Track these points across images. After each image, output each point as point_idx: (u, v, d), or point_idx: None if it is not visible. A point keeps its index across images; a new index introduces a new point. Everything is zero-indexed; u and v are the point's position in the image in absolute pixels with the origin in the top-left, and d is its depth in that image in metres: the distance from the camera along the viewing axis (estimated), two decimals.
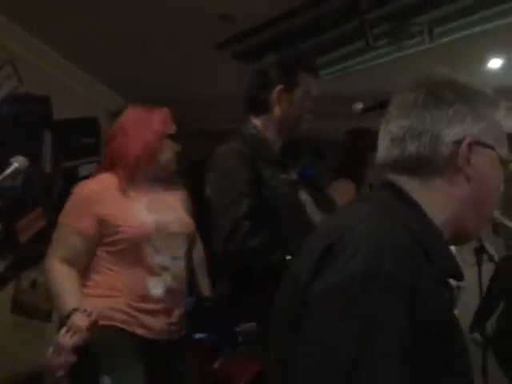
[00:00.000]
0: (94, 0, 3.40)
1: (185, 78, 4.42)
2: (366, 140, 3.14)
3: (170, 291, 2.09)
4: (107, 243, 2.08)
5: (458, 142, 1.00)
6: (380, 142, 1.07)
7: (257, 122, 2.13)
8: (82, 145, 4.36)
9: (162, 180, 2.25)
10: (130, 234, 2.05)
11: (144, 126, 2.17)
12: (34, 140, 3.79)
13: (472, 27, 3.68)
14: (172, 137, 2.23)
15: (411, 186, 1.02)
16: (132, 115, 2.23)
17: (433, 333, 0.85)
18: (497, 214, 1.11)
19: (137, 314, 2.03)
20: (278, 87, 2.06)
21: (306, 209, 2.09)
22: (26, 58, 3.87)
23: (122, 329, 2.01)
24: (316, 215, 2.10)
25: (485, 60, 4.41)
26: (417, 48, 3.90)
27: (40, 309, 3.30)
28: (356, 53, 3.90)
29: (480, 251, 3.19)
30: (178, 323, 2.11)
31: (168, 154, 2.22)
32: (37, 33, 3.80)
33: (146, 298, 2.04)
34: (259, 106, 2.11)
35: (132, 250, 2.05)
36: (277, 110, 2.09)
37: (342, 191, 3.08)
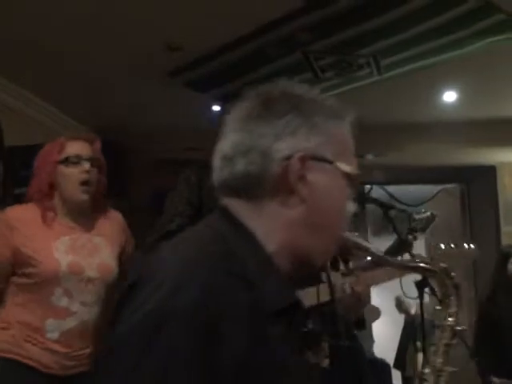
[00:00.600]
0: (41, 29, 3.40)
1: (139, 106, 4.44)
2: None
3: (70, 336, 2.00)
4: (19, 274, 2.02)
5: (290, 158, 0.89)
6: (214, 161, 0.96)
7: None
8: None
9: (91, 214, 2.14)
10: (41, 270, 1.98)
11: (44, 160, 2.10)
12: None
13: (419, 60, 3.71)
14: (66, 161, 2.06)
15: (241, 209, 0.92)
16: (41, 152, 2.14)
17: (238, 372, 0.77)
18: (349, 235, 1.00)
19: (29, 347, 1.98)
20: None
21: None
22: None
23: (16, 361, 1.96)
24: None
25: (439, 93, 4.44)
26: (366, 80, 3.93)
27: None
28: (306, 84, 3.92)
29: (422, 284, 3.15)
30: (77, 360, 2.02)
31: (66, 183, 2.07)
32: None
33: (41, 336, 1.98)
34: None
35: (40, 288, 1.99)
36: None
37: None
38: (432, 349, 1.08)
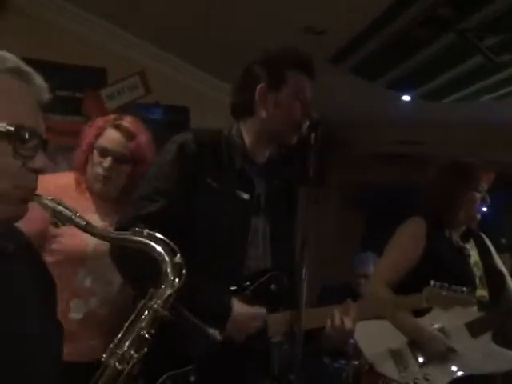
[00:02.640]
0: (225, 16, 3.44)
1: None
2: (467, 176, 2.59)
3: (92, 316, 1.99)
4: (45, 250, 1.96)
5: None
6: None
7: (242, 127, 1.88)
8: None
9: (114, 204, 2.07)
10: (66, 247, 1.96)
11: (85, 136, 2.11)
12: None
13: None
14: (101, 150, 2.05)
15: None
16: (89, 124, 2.16)
17: None
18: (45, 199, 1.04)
19: None
20: (261, 85, 1.80)
21: (247, 236, 1.79)
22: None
23: None
24: (257, 248, 1.82)
25: None
26: None
27: None
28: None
29: None
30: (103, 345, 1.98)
31: (94, 168, 2.06)
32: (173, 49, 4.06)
33: (65, 320, 1.82)
34: (242, 108, 1.86)
35: (64, 266, 1.93)
36: (262, 113, 1.82)
37: (408, 234, 2.62)
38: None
